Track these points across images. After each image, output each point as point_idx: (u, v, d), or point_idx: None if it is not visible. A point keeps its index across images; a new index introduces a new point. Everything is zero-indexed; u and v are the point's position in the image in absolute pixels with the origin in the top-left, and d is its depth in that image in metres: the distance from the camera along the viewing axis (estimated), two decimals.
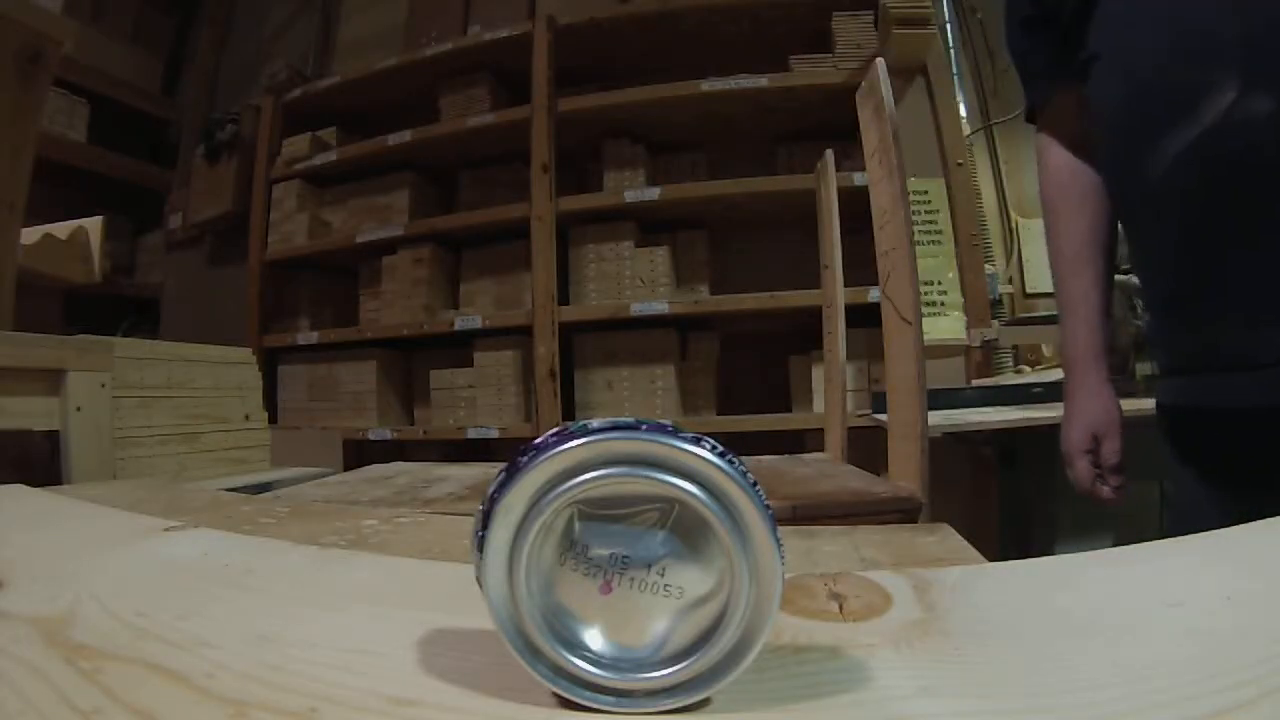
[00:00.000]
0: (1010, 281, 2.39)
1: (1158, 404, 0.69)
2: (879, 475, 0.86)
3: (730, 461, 0.18)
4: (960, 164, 1.88)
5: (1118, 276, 1.80)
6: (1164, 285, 0.65)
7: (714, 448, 0.18)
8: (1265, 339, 0.56)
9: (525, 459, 0.18)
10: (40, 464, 0.94)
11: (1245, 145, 0.54)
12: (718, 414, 1.93)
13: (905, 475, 0.78)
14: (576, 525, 0.18)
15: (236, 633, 0.21)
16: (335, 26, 2.77)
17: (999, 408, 1.52)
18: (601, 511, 0.18)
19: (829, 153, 1.20)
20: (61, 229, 1.78)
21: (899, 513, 0.70)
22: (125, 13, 2.97)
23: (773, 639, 0.20)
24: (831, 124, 1.85)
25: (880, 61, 0.85)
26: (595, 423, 0.18)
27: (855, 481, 0.81)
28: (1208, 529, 0.27)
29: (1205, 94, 0.55)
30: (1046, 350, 1.97)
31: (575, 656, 0.17)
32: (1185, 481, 0.65)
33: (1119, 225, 0.73)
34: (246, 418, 1.25)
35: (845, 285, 1.19)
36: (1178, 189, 0.58)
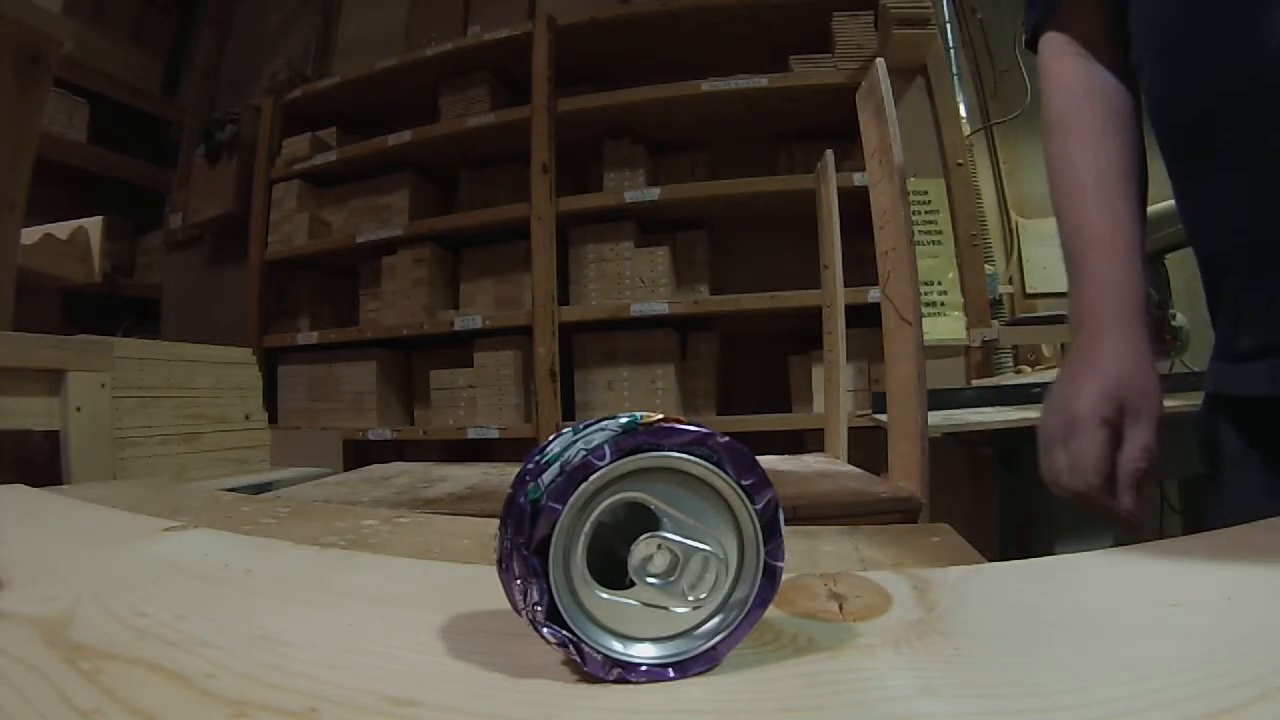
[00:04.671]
0: (1010, 281, 2.39)
1: (1211, 392, 0.53)
2: (879, 475, 0.86)
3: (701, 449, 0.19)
4: (960, 164, 1.88)
5: None
6: (1235, 240, 0.48)
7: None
8: None
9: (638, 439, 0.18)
10: (40, 464, 0.94)
11: None
12: (718, 414, 1.93)
13: (905, 475, 0.78)
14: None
15: (236, 633, 0.21)
16: (335, 26, 2.77)
17: (999, 408, 1.52)
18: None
19: (829, 153, 1.20)
20: (61, 229, 1.78)
21: (899, 513, 0.70)
22: (125, 13, 2.97)
23: (772, 639, 0.20)
24: (831, 124, 1.85)
25: (880, 61, 0.85)
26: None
27: (855, 481, 0.81)
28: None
29: None
30: (1046, 350, 1.97)
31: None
32: (1243, 477, 0.51)
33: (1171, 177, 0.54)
34: (246, 418, 1.25)
35: (845, 285, 1.19)
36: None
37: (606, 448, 0.18)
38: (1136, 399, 0.48)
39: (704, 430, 0.18)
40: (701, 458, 0.18)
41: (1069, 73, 0.57)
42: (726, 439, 0.19)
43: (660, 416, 0.18)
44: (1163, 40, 0.50)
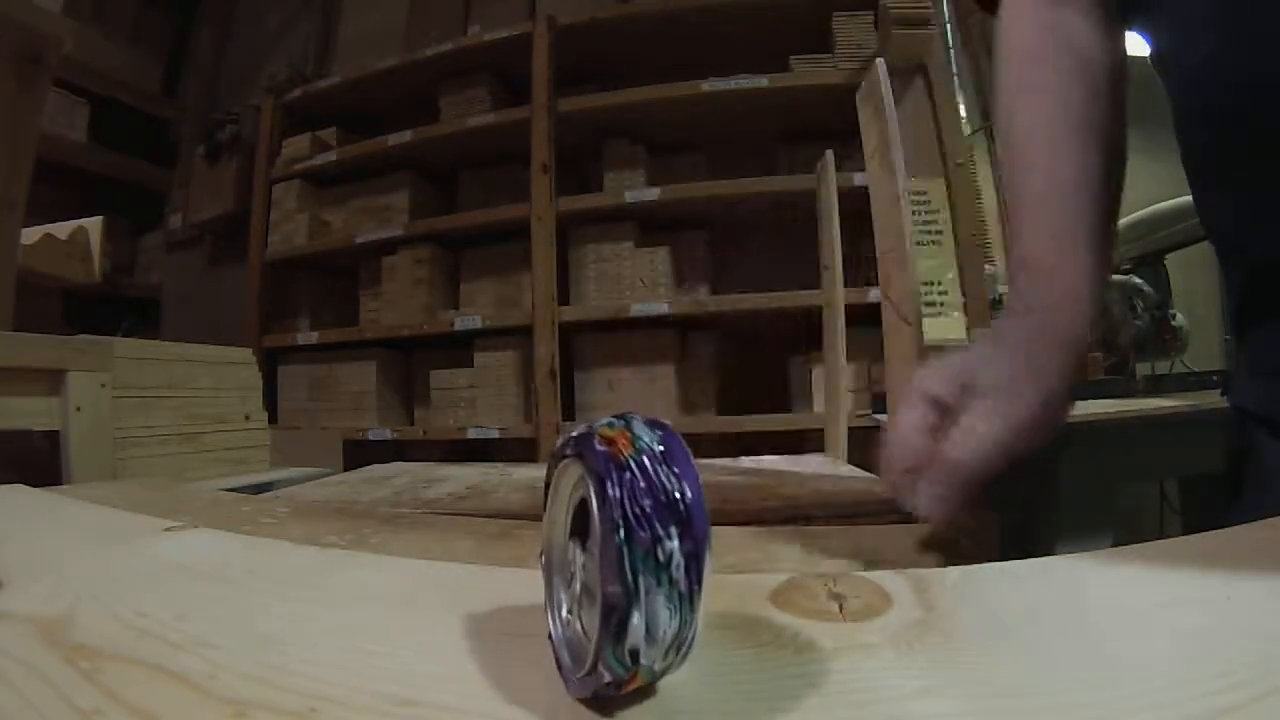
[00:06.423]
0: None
1: (1257, 414, 0.42)
2: (879, 475, 0.86)
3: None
4: (960, 164, 1.88)
5: (1117, 277, 1.80)
6: None
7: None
8: None
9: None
10: (40, 464, 0.94)
11: None
12: (718, 414, 1.93)
13: None
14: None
15: (236, 633, 0.21)
16: (335, 26, 2.77)
17: None
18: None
19: (829, 153, 1.20)
20: (61, 229, 1.79)
21: (899, 513, 0.70)
22: (125, 13, 2.97)
23: (772, 639, 0.20)
24: (831, 124, 1.85)
25: (880, 61, 0.86)
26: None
27: (855, 481, 0.81)
28: None
29: None
30: None
31: None
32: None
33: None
34: (246, 418, 1.25)
35: (845, 285, 1.19)
36: None
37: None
38: (991, 387, 0.38)
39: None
40: None
41: (1032, 18, 0.49)
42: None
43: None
44: (1229, 18, 0.39)
